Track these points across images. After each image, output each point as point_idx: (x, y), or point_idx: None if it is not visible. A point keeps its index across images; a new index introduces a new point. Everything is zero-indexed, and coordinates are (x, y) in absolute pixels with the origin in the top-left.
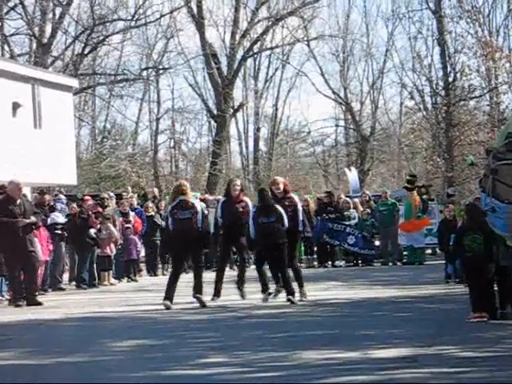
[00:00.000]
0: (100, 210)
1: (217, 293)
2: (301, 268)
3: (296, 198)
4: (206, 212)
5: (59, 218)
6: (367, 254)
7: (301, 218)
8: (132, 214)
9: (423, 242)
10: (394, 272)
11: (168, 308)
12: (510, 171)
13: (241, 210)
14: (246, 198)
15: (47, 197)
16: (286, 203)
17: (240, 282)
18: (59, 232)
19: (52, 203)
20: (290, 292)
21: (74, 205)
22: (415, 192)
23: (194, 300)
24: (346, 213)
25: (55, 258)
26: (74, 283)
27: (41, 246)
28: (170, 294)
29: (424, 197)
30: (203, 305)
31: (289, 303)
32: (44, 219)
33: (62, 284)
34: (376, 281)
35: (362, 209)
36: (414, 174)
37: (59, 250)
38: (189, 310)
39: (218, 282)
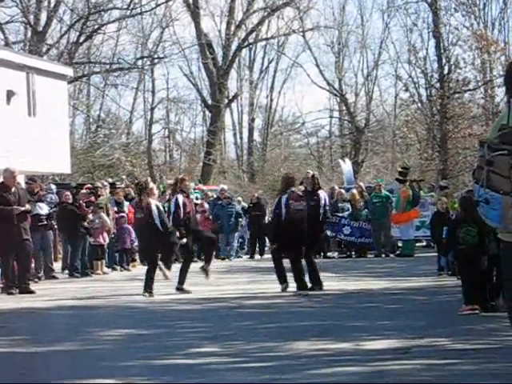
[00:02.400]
0: (92, 199)
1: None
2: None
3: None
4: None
5: (43, 209)
6: (364, 243)
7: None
8: (126, 203)
9: (411, 234)
10: (386, 264)
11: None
12: (505, 162)
13: None
14: None
15: (36, 185)
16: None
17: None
18: (44, 223)
19: (43, 193)
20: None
21: (68, 193)
22: (406, 184)
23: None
24: (340, 204)
25: (44, 246)
26: (66, 272)
27: None
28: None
29: (416, 190)
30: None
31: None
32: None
33: (54, 272)
34: (368, 272)
35: (358, 198)
36: (407, 166)
37: (47, 239)
38: (180, 300)
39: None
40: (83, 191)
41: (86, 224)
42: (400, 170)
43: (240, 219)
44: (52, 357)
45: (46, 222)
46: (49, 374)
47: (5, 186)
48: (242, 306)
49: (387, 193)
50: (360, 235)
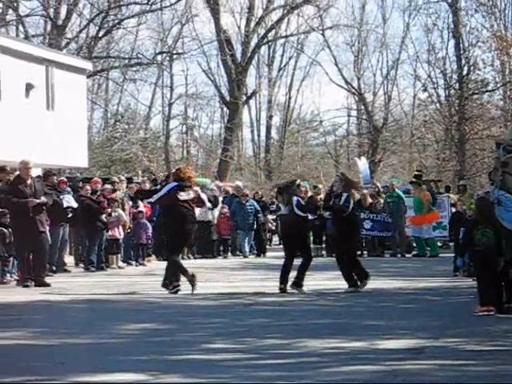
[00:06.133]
0: (113, 195)
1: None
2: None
3: None
4: None
5: (72, 201)
6: (386, 236)
7: None
8: None
9: (431, 233)
10: (402, 263)
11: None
12: None
13: None
14: None
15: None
16: None
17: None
18: (70, 215)
19: (63, 187)
20: None
21: (88, 187)
22: (423, 186)
23: None
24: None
25: (62, 240)
26: (81, 265)
27: None
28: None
29: (433, 189)
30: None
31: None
32: (58, 201)
33: (66, 266)
34: (384, 272)
35: (370, 200)
36: (420, 170)
37: (66, 233)
38: (195, 296)
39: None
40: (107, 186)
41: (104, 219)
42: (415, 173)
43: (259, 215)
44: (66, 350)
45: (71, 215)
46: (64, 367)
47: (20, 179)
48: (256, 303)
49: (400, 192)
50: (381, 229)
